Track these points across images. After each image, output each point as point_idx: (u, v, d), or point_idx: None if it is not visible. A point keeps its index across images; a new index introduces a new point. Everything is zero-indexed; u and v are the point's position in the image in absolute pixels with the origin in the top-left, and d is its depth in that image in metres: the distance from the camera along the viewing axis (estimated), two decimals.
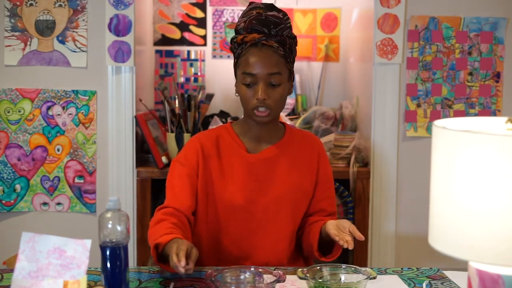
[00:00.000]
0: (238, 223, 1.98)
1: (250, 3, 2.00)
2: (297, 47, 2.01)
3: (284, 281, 1.67)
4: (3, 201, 2.98)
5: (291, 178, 2.00)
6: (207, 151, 1.99)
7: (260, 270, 1.72)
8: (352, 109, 3.34)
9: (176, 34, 3.67)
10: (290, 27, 1.97)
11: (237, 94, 1.98)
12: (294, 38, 1.98)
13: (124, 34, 2.92)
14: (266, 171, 1.99)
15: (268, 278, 1.69)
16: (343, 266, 1.74)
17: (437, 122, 1.24)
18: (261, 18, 1.92)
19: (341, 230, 1.82)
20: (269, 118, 1.93)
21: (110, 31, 2.91)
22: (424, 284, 1.76)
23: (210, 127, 3.08)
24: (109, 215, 1.56)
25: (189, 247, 1.64)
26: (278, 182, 1.99)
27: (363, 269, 1.71)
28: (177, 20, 3.67)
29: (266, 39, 1.91)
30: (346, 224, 1.83)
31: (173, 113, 3.05)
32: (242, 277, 1.68)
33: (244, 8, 3.58)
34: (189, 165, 1.97)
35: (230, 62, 2.09)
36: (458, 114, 2.98)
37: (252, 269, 1.72)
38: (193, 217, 1.97)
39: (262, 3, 1.99)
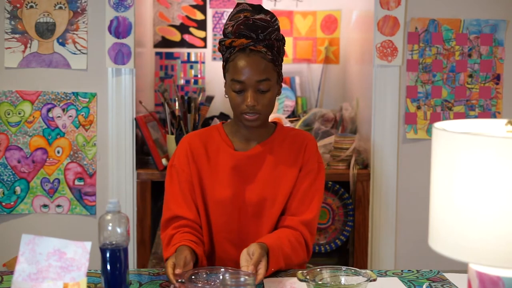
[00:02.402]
0: (227, 219, 1.99)
1: (237, 5, 1.98)
2: (285, 47, 2.00)
3: (254, 277, 1.60)
4: (3, 203, 2.97)
5: (275, 174, 2.00)
6: (196, 151, 2.02)
7: (230, 270, 1.70)
8: (352, 111, 3.34)
9: (176, 36, 3.67)
10: (278, 29, 1.96)
11: (226, 96, 1.99)
12: (282, 39, 1.98)
13: (124, 36, 2.92)
14: (252, 168, 2.00)
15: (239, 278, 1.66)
16: (343, 268, 1.74)
17: (437, 124, 1.24)
18: (249, 22, 1.90)
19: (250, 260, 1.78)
20: (258, 122, 1.95)
21: (110, 33, 2.92)
22: (424, 286, 1.76)
23: None
24: (109, 217, 1.56)
25: (186, 261, 1.73)
26: (263, 178, 2.00)
27: (363, 271, 1.71)
28: (177, 22, 3.67)
29: (254, 44, 1.91)
30: (256, 253, 1.76)
31: (173, 115, 3.05)
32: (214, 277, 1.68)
33: None
34: (183, 172, 2.01)
35: None
36: (458, 116, 2.98)
37: (222, 270, 1.72)
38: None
39: (250, 5, 1.97)
